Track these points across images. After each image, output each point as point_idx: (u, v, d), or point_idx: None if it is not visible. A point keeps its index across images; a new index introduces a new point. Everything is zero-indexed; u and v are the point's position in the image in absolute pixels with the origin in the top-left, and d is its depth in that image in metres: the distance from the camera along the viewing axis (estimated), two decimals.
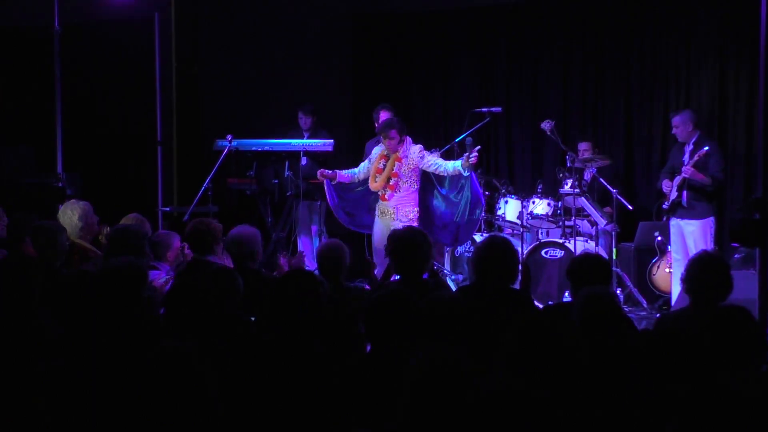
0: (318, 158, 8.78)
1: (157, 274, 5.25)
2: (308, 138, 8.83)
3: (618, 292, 7.93)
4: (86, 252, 5.90)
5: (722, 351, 2.52)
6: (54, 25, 8.98)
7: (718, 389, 2.17)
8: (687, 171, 7.33)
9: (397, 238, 4.86)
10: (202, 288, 3.78)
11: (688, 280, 4.12)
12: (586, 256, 4.77)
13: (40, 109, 9.75)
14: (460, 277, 8.17)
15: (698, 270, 4.09)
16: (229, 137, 8.40)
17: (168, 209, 9.23)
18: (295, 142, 8.63)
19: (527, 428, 2.36)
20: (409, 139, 7.31)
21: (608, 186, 8.01)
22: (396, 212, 7.22)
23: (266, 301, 3.98)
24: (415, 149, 7.26)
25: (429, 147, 8.23)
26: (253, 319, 4.28)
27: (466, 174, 7.13)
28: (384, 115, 8.18)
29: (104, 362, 3.47)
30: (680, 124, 7.57)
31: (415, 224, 6.91)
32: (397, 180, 7.22)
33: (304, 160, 8.62)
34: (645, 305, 7.83)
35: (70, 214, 6.10)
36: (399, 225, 6.62)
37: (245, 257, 5.19)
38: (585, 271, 4.31)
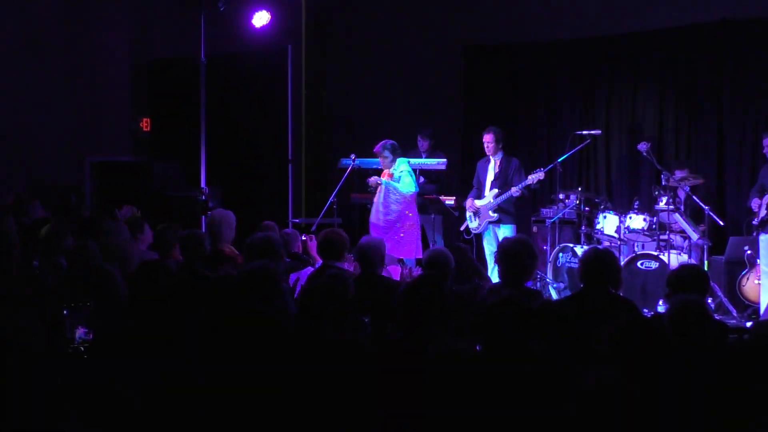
0: (431, 176, 9.32)
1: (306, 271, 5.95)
2: (425, 159, 9.37)
3: (709, 301, 8.24)
4: (230, 256, 6.27)
5: None
6: (200, 56, 9.76)
7: None
8: None
9: (505, 247, 5.14)
10: (321, 290, 4.11)
11: None
12: (686, 266, 4.82)
13: (188, 131, 10.45)
14: (561, 285, 8.50)
15: None
16: (352, 156, 8.80)
17: (297, 221, 9.84)
18: (413, 161, 8.98)
19: (622, 417, 2.70)
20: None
21: (701, 203, 8.21)
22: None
23: (390, 304, 4.32)
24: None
25: (533, 167, 8.69)
26: (366, 320, 4.48)
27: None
28: (489, 138, 8.63)
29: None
30: None
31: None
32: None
33: (420, 179, 9.09)
34: (735, 314, 7.96)
35: (220, 221, 6.44)
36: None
37: (373, 264, 5.46)
38: (683, 280, 4.50)
